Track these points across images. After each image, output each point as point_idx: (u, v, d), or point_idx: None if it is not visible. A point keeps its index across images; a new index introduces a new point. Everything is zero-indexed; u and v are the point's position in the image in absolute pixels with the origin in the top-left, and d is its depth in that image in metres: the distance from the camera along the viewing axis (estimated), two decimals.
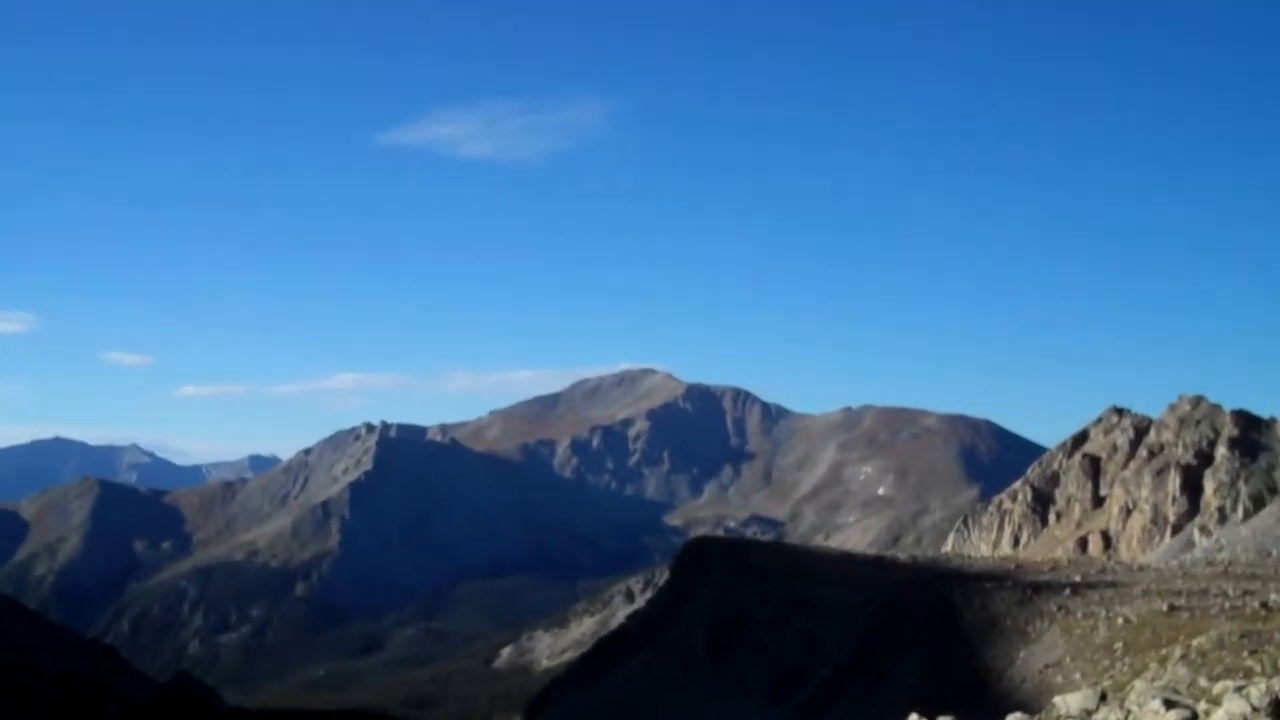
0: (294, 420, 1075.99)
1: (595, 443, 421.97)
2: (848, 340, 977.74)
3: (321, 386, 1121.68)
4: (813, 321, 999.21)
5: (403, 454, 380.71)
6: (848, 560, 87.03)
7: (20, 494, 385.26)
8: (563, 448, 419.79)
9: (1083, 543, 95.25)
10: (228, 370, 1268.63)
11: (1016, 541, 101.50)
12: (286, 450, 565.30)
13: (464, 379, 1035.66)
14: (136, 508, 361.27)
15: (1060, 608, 61.22)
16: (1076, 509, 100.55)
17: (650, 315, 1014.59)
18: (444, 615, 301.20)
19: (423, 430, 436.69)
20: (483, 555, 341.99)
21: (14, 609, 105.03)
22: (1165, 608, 56.71)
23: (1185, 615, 54.69)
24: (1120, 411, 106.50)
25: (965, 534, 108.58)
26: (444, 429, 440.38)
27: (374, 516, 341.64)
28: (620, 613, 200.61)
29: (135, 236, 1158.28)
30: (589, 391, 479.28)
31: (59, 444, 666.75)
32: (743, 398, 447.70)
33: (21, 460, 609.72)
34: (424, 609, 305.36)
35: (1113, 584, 65.40)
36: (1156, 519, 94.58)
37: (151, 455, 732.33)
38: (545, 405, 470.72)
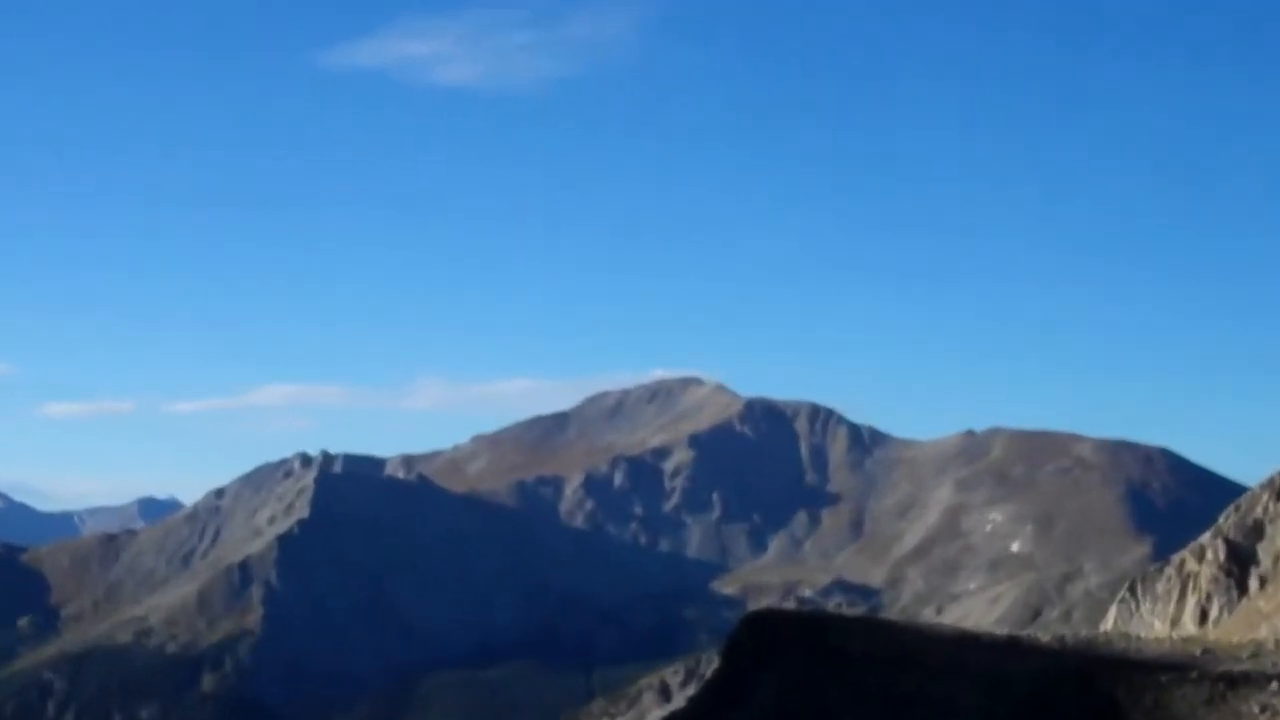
0: (201, 450, 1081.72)
1: (618, 480, 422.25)
2: (967, 340, 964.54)
3: (240, 403, 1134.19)
4: (919, 315, 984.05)
5: (352, 495, 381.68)
6: (969, 642, 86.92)
7: None
8: (573, 487, 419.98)
9: None
10: (111, 382, 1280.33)
11: (1204, 617, 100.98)
12: (191, 491, 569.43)
13: (437, 390, 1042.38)
14: None
15: (1264, 708, 61.18)
16: None
17: (693, 306, 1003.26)
18: (410, 716, 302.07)
19: (380, 463, 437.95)
20: (463, 635, 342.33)
21: None
22: None
23: None
24: None
25: (1132, 606, 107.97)
26: (408, 461, 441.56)
27: (311, 582, 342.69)
28: (652, 714, 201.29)
29: None
30: (609, 409, 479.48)
31: None
32: (823, 418, 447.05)
33: None
34: (381, 708, 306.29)
35: None
36: None
37: (5, 497, 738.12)
38: (549, 428, 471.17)
